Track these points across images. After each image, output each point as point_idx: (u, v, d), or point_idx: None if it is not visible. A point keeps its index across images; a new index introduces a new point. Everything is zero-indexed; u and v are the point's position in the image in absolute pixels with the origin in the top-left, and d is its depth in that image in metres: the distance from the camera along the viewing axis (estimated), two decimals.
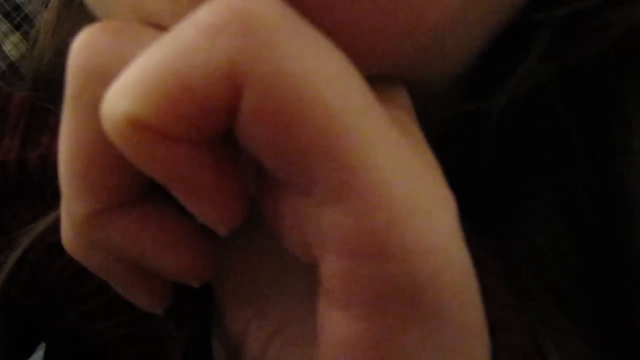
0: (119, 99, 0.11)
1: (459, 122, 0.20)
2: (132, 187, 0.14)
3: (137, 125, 0.11)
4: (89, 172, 0.14)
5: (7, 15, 0.32)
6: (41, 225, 0.21)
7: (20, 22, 0.32)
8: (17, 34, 0.31)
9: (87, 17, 0.16)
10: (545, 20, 0.17)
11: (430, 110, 0.16)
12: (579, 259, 0.20)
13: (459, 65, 0.17)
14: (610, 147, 0.20)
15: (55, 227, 0.20)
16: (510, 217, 0.21)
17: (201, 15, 0.11)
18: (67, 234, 0.16)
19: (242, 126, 0.11)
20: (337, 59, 0.12)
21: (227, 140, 0.12)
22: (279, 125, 0.11)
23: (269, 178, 0.13)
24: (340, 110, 0.11)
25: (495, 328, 0.14)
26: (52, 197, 0.15)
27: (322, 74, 0.11)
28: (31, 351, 0.28)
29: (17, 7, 0.32)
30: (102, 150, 0.13)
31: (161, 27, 0.13)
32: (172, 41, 0.11)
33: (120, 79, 0.11)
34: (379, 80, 0.15)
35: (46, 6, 0.27)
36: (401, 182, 0.11)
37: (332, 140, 0.11)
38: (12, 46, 0.31)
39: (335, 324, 0.12)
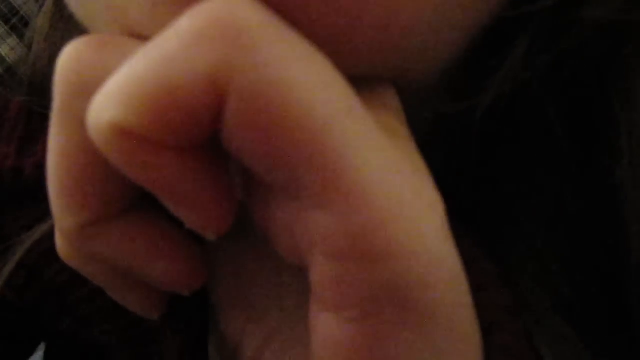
0: (104, 107, 0.11)
1: (447, 123, 0.20)
2: (120, 200, 0.14)
3: (122, 133, 0.11)
4: (77, 186, 0.14)
5: (3, 18, 0.32)
6: (38, 231, 0.21)
7: (17, 24, 0.31)
8: (14, 37, 0.31)
9: (80, 23, 0.16)
10: (525, 18, 0.17)
11: (417, 111, 0.16)
12: (575, 260, 0.20)
13: (441, 64, 0.17)
14: (601, 147, 0.20)
15: (51, 232, 0.20)
16: (506, 218, 0.21)
17: (183, 24, 0.11)
18: (61, 243, 0.16)
19: (227, 133, 0.11)
20: (320, 63, 0.12)
21: (214, 146, 0.12)
22: (263, 131, 0.11)
23: (257, 183, 0.13)
24: (324, 115, 0.11)
25: (489, 329, 0.15)
26: (48, 203, 0.15)
27: (305, 79, 0.11)
28: (31, 351, 0.28)
29: (14, 10, 0.32)
30: (89, 164, 0.14)
31: (145, 38, 0.13)
32: (155, 49, 0.11)
33: (104, 87, 0.11)
34: (368, 82, 0.15)
35: (41, 7, 0.27)
36: (386, 184, 0.11)
37: (316, 145, 0.11)
38: (9, 49, 0.31)
39: (326, 327, 0.12)
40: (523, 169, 0.21)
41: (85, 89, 0.13)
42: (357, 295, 0.12)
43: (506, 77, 0.17)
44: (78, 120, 0.13)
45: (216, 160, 0.13)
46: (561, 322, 0.19)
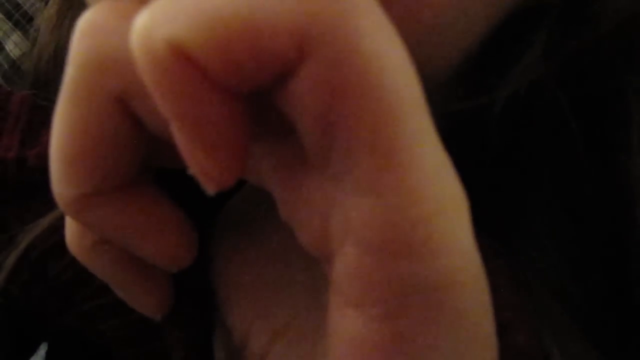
0: (165, 21, 0.10)
1: (462, 119, 0.20)
2: (121, 173, 0.14)
3: (179, 54, 0.10)
4: (80, 156, 0.13)
5: (7, 14, 0.32)
6: (42, 224, 0.21)
7: (20, 20, 0.31)
8: (18, 33, 0.31)
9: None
10: (544, 11, 0.17)
11: (433, 106, 0.15)
12: (584, 259, 0.20)
13: (459, 56, 0.17)
14: (611, 143, 0.20)
15: (55, 227, 0.20)
16: (515, 217, 0.20)
17: None
18: (71, 235, 0.16)
19: (296, 91, 0.11)
20: (404, 50, 0.11)
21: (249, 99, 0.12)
22: (337, 99, 0.10)
23: (297, 159, 0.13)
24: (402, 103, 0.11)
25: (502, 328, 0.14)
26: (52, 196, 0.14)
27: (393, 59, 0.11)
28: (33, 350, 0.28)
29: (17, 6, 0.32)
30: (95, 136, 0.13)
31: None
32: None
33: (169, 0, 0.10)
34: None
35: (46, 4, 0.27)
36: (438, 181, 0.11)
37: (386, 130, 0.10)
38: (14, 45, 0.31)
39: (350, 323, 0.12)
40: (535, 168, 0.21)
41: (104, 60, 0.12)
42: (385, 291, 0.11)
43: (524, 71, 0.17)
44: (91, 90, 0.12)
45: (248, 112, 0.12)
46: (570, 322, 0.19)
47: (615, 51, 0.19)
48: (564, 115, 0.19)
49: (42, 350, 0.29)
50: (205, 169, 0.12)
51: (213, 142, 0.11)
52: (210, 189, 0.12)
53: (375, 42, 0.10)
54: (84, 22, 0.13)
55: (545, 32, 0.17)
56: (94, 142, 0.13)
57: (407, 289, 0.11)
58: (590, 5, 0.17)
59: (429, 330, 0.11)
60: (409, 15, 0.13)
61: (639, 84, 0.19)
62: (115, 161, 0.14)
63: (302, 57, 0.10)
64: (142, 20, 0.10)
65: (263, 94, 0.11)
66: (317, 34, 0.10)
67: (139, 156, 0.14)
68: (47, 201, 0.15)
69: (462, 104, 0.19)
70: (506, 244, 0.20)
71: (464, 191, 0.12)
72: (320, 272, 0.13)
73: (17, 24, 0.31)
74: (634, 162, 0.19)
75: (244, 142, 0.12)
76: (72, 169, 0.13)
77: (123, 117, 0.13)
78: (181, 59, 0.10)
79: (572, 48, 0.18)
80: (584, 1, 0.17)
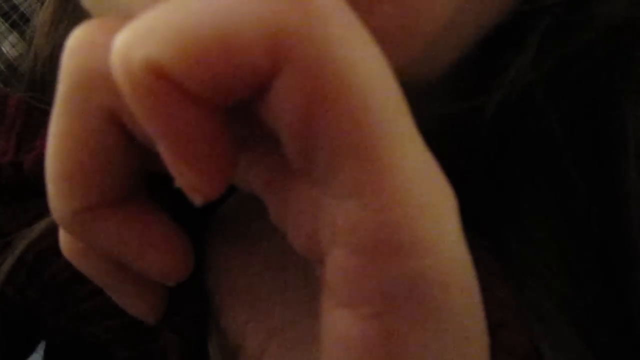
0: (143, 41, 0.10)
1: (454, 121, 0.20)
2: (116, 189, 0.14)
3: (157, 73, 0.10)
4: (74, 172, 0.13)
5: (4, 15, 0.32)
6: (38, 228, 0.21)
7: (17, 20, 0.31)
8: (15, 34, 0.31)
9: (83, 16, 0.16)
10: (536, 16, 0.17)
11: (422, 110, 0.16)
12: (578, 260, 0.20)
13: (449, 63, 0.17)
14: (606, 146, 0.20)
15: (51, 229, 0.20)
16: (509, 218, 0.21)
17: None
18: (64, 239, 0.16)
19: (274, 102, 0.11)
20: (379, 54, 0.11)
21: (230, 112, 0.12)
22: (315, 108, 0.11)
23: (283, 167, 0.13)
24: (379, 106, 0.11)
25: (494, 327, 0.14)
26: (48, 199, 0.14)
27: (368, 66, 0.11)
28: (31, 350, 0.28)
29: (14, 7, 0.32)
30: (89, 152, 0.13)
31: None
32: None
33: (145, 20, 0.10)
34: None
35: (42, 4, 0.27)
36: (421, 183, 0.11)
37: (365, 134, 0.11)
38: (11, 46, 0.31)
39: (341, 322, 0.12)
40: (526, 170, 0.21)
41: (94, 76, 0.12)
42: (375, 291, 0.11)
43: (516, 76, 0.17)
44: (83, 108, 0.13)
45: (229, 124, 0.12)
46: (562, 319, 0.19)
47: (609, 55, 0.19)
48: (551, 122, 0.19)
49: (40, 350, 0.29)
50: (190, 182, 0.12)
51: (196, 156, 0.11)
52: (197, 201, 0.12)
53: (348, 49, 0.10)
54: (73, 40, 0.13)
55: (537, 37, 0.17)
56: (88, 158, 0.13)
57: (395, 288, 0.11)
58: (583, 10, 0.17)
59: (418, 329, 0.12)
60: (391, 26, 0.13)
61: (633, 88, 0.19)
62: (109, 175, 0.14)
63: (277, 69, 0.10)
64: (119, 41, 0.11)
65: (246, 105, 0.11)
66: (289, 46, 0.10)
67: (132, 169, 0.14)
68: (43, 204, 0.15)
69: (455, 107, 0.19)
70: (499, 244, 0.20)
71: (451, 191, 0.12)
72: (314, 274, 0.13)
73: (14, 25, 0.31)
74: (629, 167, 0.19)
75: (228, 154, 0.12)
76: (67, 185, 0.14)
77: (115, 131, 0.13)
78: (159, 78, 0.10)
79: (565, 53, 0.18)
80: (577, 6, 0.17)
